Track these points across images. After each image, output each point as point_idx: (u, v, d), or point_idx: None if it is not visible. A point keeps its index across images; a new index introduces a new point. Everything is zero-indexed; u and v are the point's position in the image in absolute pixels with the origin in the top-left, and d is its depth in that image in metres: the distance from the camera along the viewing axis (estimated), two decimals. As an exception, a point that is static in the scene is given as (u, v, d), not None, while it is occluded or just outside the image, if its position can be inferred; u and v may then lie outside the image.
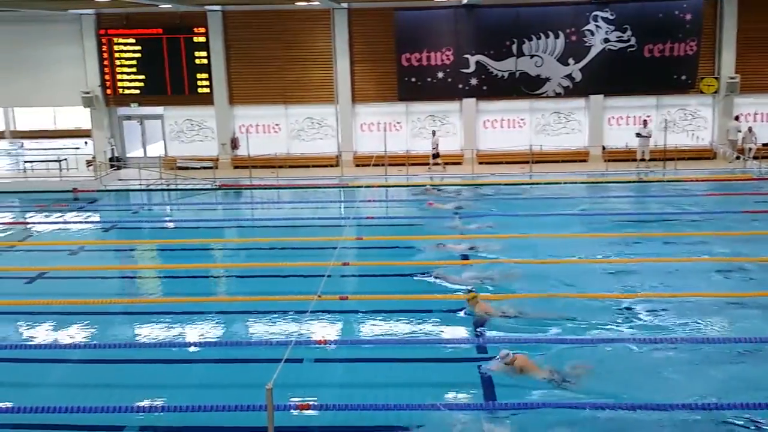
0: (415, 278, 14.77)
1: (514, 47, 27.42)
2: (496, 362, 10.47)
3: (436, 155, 27.16)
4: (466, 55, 27.59)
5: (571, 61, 27.42)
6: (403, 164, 27.14)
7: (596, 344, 11.32)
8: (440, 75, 27.77)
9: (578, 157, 28.15)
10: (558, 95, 27.91)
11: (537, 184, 24.51)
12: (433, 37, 27.60)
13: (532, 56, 27.45)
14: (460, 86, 27.87)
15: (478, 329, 12.10)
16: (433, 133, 27.65)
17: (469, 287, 13.75)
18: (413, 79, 27.83)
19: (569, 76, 27.59)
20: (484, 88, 27.86)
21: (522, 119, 28.66)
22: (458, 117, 28.68)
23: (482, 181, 25.21)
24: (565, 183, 24.25)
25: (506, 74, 27.67)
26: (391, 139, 27.52)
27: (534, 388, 9.98)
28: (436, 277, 14.67)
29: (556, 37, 27.29)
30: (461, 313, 12.79)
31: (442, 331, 12.33)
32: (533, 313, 12.54)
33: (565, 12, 27.23)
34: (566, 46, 27.32)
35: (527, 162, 26.56)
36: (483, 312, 12.43)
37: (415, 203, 22.35)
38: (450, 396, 9.97)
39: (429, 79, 27.81)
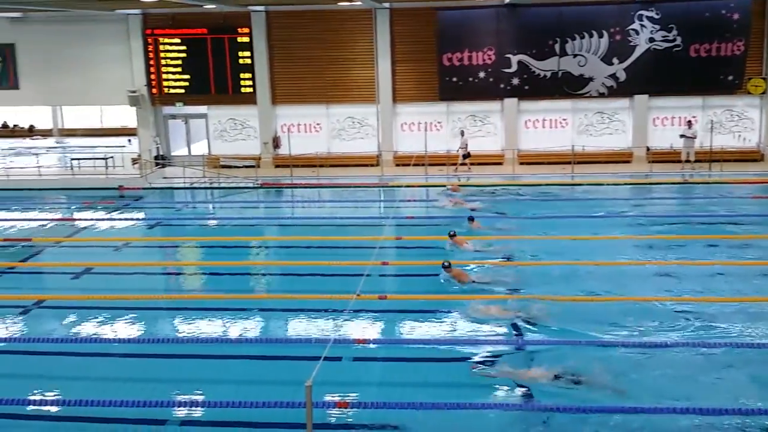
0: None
1: (557, 46, 27.20)
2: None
3: (466, 155, 27.08)
4: (508, 55, 27.44)
5: (615, 60, 27.09)
6: (443, 164, 27.09)
7: (632, 347, 11.24)
8: (482, 75, 27.67)
9: (622, 158, 27.79)
10: (601, 95, 27.60)
11: (579, 185, 24.28)
12: (474, 37, 27.51)
13: (575, 56, 27.20)
14: (502, 86, 27.73)
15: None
16: (462, 132, 27.58)
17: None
18: (454, 79, 27.78)
19: (613, 76, 27.26)
20: (526, 87, 27.68)
21: (564, 119, 28.40)
22: (499, 117, 28.52)
23: (522, 181, 25.04)
24: (608, 184, 23.98)
25: (549, 74, 27.46)
26: (432, 139, 27.49)
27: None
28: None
29: (600, 36, 26.99)
30: (498, 314, 12.78)
31: (479, 331, 12.28)
32: (566, 315, 12.47)
33: (610, 11, 26.91)
34: (610, 45, 27.00)
35: (569, 163, 26.32)
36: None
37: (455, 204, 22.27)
38: (488, 396, 9.95)
39: (470, 79, 27.73)
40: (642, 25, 26.78)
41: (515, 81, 27.63)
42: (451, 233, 16.72)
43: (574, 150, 26.75)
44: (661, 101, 27.84)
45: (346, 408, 9.65)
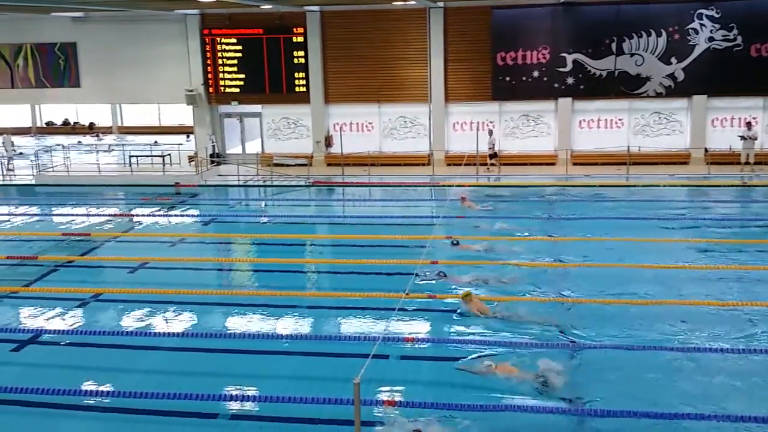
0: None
1: (614, 45, 26.79)
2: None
3: (493, 155, 26.86)
4: (563, 54, 27.15)
5: (673, 60, 26.57)
6: (494, 164, 26.92)
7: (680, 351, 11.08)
8: (536, 74, 27.42)
9: (679, 159, 27.23)
10: (659, 95, 27.08)
11: (634, 186, 23.89)
12: (529, 36, 27.30)
13: (632, 55, 26.75)
14: (556, 85, 27.44)
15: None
16: (490, 132, 27.42)
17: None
18: (508, 78, 27.60)
19: (671, 76, 26.73)
20: (581, 87, 27.34)
21: (620, 119, 27.95)
22: (553, 117, 28.23)
23: (576, 182, 24.75)
24: (664, 186, 23.53)
25: (605, 73, 27.06)
26: (483, 139, 27.34)
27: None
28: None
29: (658, 35, 26.48)
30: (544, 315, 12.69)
31: (530, 332, 12.20)
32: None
33: (668, 10, 26.39)
34: (668, 44, 26.48)
35: (624, 164, 25.91)
36: (477, 310, 12.43)
37: (505, 203, 22.12)
38: (533, 397, 9.89)
39: (524, 78, 27.51)
40: (701, 24, 26.20)
41: (570, 80, 27.31)
42: (454, 242, 17.01)
43: (630, 151, 26.32)
44: (720, 102, 27.19)
45: (393, 406, 9.69)
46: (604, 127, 28.02)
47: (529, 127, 28.41)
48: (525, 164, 27.49)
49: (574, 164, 27.34)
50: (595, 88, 27.26)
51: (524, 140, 28.34)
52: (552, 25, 27.13)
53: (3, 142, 30.02)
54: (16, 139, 38.57)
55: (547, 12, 27.16)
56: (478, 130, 27.61)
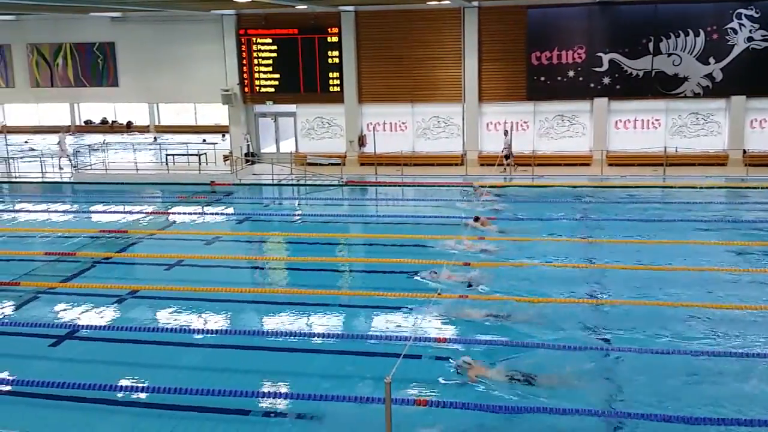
0: (537, 279, 14.63)
1: (651, 45, 26.47)
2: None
3: (508, 155, 26.78)
4: (599, 54, 26.90)
5: (711, 60, 26.18)
6: (529, 164, 26.77)
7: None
8: (571, 74, 27.22)
9: (717, 160, 26.82)
10: (696, 95, 26.70)
11: (670, 187, 23.59)
12: (564, 35, 27.10)
13: (669, 54, 26.41)
14: (592, 85, 27.20)
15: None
16: (506, 132, 27.29)
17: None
18: (542, 78, 27.42)
19: (709, 76, 26.34)
20: (618, 87, 27.06)
21: (657, 120, 27.61)
22: (588, 117, 27.98)
23: (611, 183, 24.52)
24: (701, 187, 23.20)
25: (641, 73, 26.76)
26: (517, 139, 27.21)
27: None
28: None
29: (696, 35, 26.11)
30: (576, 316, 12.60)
31: (560, 334, 12.14)
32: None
33: (707, 9, 26.00)
34: (706, 44, 26.10)
35: (661, 164, 25.60)
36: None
37: (541, 204, 22.00)
38: (570, 400, 9.83)
39: (559, 78, 27.32)
40: (741, 24, 25.77)
41: (606, 80, 27.05)
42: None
43: (667, 152, 25.99)
44: (760, 102, 26.72)
45: (424, 406, 9.71)
46: (641, 127, 27.70)
47: (563, 128, 28.20)
48: (559, 165, 27.29)
49: (610, 165, 27.08)
50: (632, 88, 26.96)
51: (559, 140, 28.13)
52: (588, 24, 26.90)
53: (59, 141, 30.62)
54: (55, 137, 39.34)
55: (582, 11, 26.94)
56: (512, 130, 27.47)
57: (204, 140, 35.49)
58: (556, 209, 20.89)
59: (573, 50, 27.08)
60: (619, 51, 26.79)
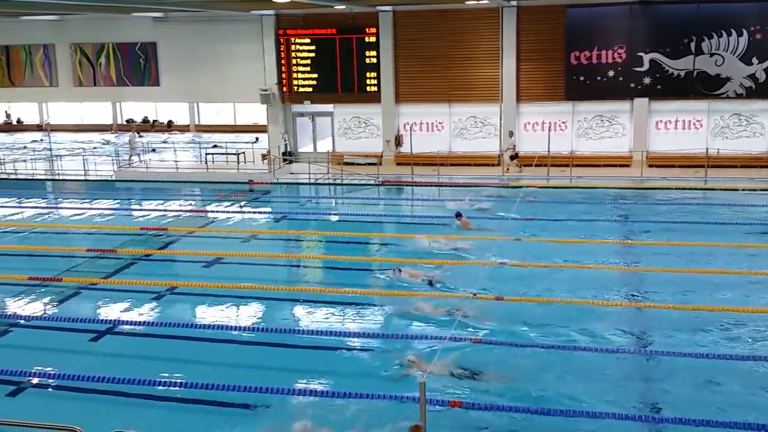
0: (575, 281, 14.53)
1: (693, 45, 26.07)
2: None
3: (514, 156, 26.78)
4: (639, 53, 26.57)
5: (754, 60, 25.69)
6: (567, 165, 26.55)
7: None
8: (611, 73, 26.93)
9: (759, 162, 26.31)
10: (739, 96, 26.22)
11: (712, 189, 23.21)
12: (604, 35, 26.83)
13: (711, 54, 25.98)
14: (632, 85, 26.88)
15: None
16: (510, 133, 27.33)
17: None
18: (582, 78, 27.18)
19: (752, 76, 25.85)
20: (658, 87, 26.70)
21: (698, 121, 27.17)
22: (628, 117, 27.65)
23: (651, 184, 24.20)
24: (743, 190, 22.79)
25: (683, 73, 26.37)
26: (555, 139, 27.01)
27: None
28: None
29: (739, 35, 25.64)
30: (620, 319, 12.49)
31: (604, 336, 12.04)
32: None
33: (750, 9, 25.52)
34: (750, 44, 25.62)
35: (702, 166, 25.20)
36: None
37: (577, 204, 21.83)
38: (614, 405, 9.76)
39: (599, 78, 27.05)
40: (785, 23, 25.29)
41: (647, 80, 26.71)
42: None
43: (708, 153, 25.59)
44: (806, 103, 26.18)
45: (459, 407, 9.70)
46: (682, 128, 27.29)
47: (603, 128, 27.91)
48: (598, 165, 27.02)
49: (650, 166, 26.73)
50: (673, 89, 26.58)
51: (598, 141, 27.86)
52: (628, 23, 26.58)
53: (129, 139, 31.21)
54: (97, 136, 40.07)
55: (623, 11, 26.63)
56: (550, 130, 27.28)
57: (256, 139, 35.63)
58: (596, 211, 20.69)
59: (613, 50, 26.79)
60: (660, 51, 26.43)
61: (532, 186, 23.72)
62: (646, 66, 26.62)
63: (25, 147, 36.17)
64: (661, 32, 26.35)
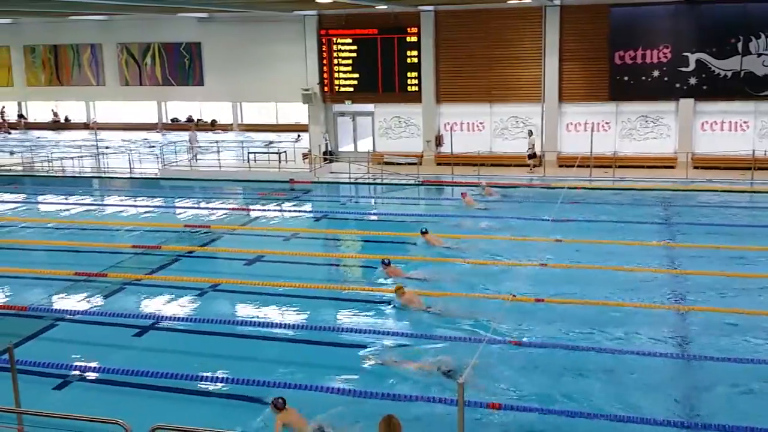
0: (615, 284, 14.37)
1: (740, 45, 25.56)
2: None
3: (532, 155, 26.79)
4: (685, 53, 26.14)
5: (804, 60, 25.15)
6: (610, 166, 26.24)
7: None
8: (656, 73, 26.54)
9: (809, 164, 25.73)
10: (788, 97, 25.67)
11: (758, 192, 22.75)
12: (649, 34, 26.46)
13: (759, 55, 25.45)
14: (678, 85, 26.46)
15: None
16: (530, 132, 27.32)
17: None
18: (626, 78, 26.84)
19: (801, 77, 25.29)
20: (704, 87, 26.24)
21: (745, 122, 26.63)
22: (673, 118, 27.22)
23: (696, 186, 23.81)
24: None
25: (729, 74, 25.87)
26: (598, 140, 26.71)
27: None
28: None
29: (789, 34, 25.12)
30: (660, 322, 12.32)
31: (645, 339, 11.90)
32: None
33: (800, 7, 24.97)
34: (799, 44, 25.09)
35: (749, 168, 24.70)
36: (407, 301, 12.84)
37: (619, 206, 21.57)
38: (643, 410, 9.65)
39: (643, 78, 26.69)
40: (838, 22, 24.65)
41: (692, 80, 26.27)
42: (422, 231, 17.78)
43: (755, 155, 25.06)
44: None
45: (498, 409, 9.67)
46: (728, 129, 26.77)
47: (647, 129, 27.53)
48: (642, 167, 26.68)
49: (695, 168, 26.29)
50: (719, 89, 26.10)
51: (642, 142, 27.48)
52: (674, 23, 26.17)
53: (189, 138, 31.78)
54: (142, 135, 40.74)
55: (668, 10, 26.23)
56: (593, 131, 26.99)
57: (298, 136, 35.81)
58: (640, 212, 20.44)
59: (658, 49, 26.40)
60: (706, 51, 25.97)
61: (574, 187, 23.48)
62: (691, 66, 26.19)
63: (80, 146, 36.81)
64: (707, 32, 25.89)
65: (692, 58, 26.15)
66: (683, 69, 26.28)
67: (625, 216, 20.15)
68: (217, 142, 33.79)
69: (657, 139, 27.38)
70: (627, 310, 13.02)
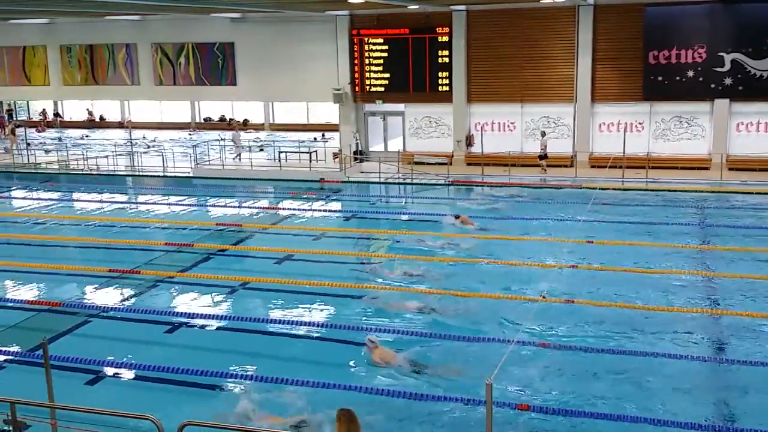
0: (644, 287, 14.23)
1: (777, 45, 25.16)
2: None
3: (543, 156, 26.77)
4: (720, 53, 25.77)
5: (843, 60, 24.65)
6: (643, 167, 25.96)
7: None
8: (690, 74, 26.20)
9: None
10: (826, 97, 25.18)
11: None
12: (684, 34, 26.13)
13: (796, 55, 25.03)
14: (713, 86, 26.09)
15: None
16: (543, 133, 27.19)
17: None
18: (660, 78, 26.53)
19: (840, 77, 24.79)
20: (740, 88, 25.85)
21: (782, 123, 26.22)
22: (708, 119, 26.84)
23: (730, 188, 23.45)
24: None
25: (765, 74, 25.49)
26: (631, 140, 26.43)
27: None
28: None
29: (828, 33, 24.63)
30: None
31: (678, 342, 11.76)
32: None
33: (839, 6, 24.47)
34: (838, 43, 24.58)
35: (785, 170, 24.32)
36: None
37: (652, 207, 21.34)
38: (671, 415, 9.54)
39: (678, 78, 26.36)
40: None
41: (728, 81, 25.89)
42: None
43: (792, 156, 24.67)
44: None
45: (527, 410, 9.63)
46: (764, 130, 26.32)
47: (681, 129, 27.19)
48: (676, 168, 26.36)
49: (730, 169, 25.90)
50: (756, 90, 25.70)
51: (676, 143, 27.15)
52: (709, 22, 25.82)
53: (233, 138, 32.12)
54: (176, 134, 41.22)
55: (703, 9, 25.88)
56: (625, 131, 26.72)
57: (323, 135, 35.87)
58: (672, 215, 20.20)
59: (693, 49, 26.06)
60: (742, 51, 25.58)
61: (606, 188, 23.26)
62: (727, 66, 25.81)
63: (134, 143, 37.31)
64: (743, 32, 25.51)
65: (728, 58, 25.76)
66: (718, 69, 25.91)
67: (658, 218, 19.92)
68: (260, 140, 34.26)
69: (691, 140, 27.03)
70: (658, 313, 12.86)
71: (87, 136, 41.36)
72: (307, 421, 9.39)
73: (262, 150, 33.81)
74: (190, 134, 41.60)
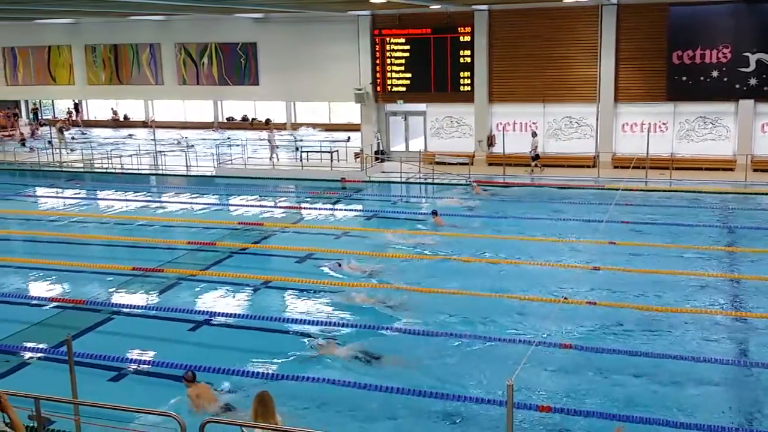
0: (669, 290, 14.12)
1: (804, 45, 24.84)
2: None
3: (535, 156, 26.76)
4: (745, 53, 25.50)
5: None
6: (667, 168, 25.74)
7: None
8: (715, 74, 25.94)
9: None
10: None
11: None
12: (708, 34, 25.89)
13: (822, 55, 24.71)
14: (738, 86, 25.83)
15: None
16: (533, 134, 27.11)
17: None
18: (684, 78, 26.30)
19: None
20: (765, 88, 25.56)
21: (809, 124, 25.89)
22: (733, 119, 26.57)
23: (755, 190, 23.20)
24: None
25: (792, 74, 25.18)
26: (655, 141, 26.21)
27: None
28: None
29: None
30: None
31: (703, 345, 11.66)
32: None
33: None
34: None
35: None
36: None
37: (675, 209, 21.16)
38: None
39: (702, 78, 26.11)
40: None
41: (753, 81, 25.61)
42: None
43: (819, 157, 24.34)
44: None
45: (548, 412, 9.60)
46: (790, 131, 26.06)
47: (705, 130, 26.93)
48: (700, 169, 26.11)
49: (755, 170, 25.62)
50: (781, 90, 25.42)
51: (700, 143, 26.90)
52: (734, 22, 25.55)
53: (269, 137, 32.31)
54: (199, 133, 41.45)
55: (728, 9, 25.62)
56: (649, 131, 26.51)
57: (348, 138, 35.97)
58: (695, 215, 20.02)
59: (718, 49, 25.81)
60: (767, 51, 25.27)
61: (629, 189, 23.08)
62: (752, 66, 25.53)
63: (176, 142, 37.55)
64: (769, 31, 25.24)
65: (753, 58, 25.49)
66: (743, 69, 25.64)
67: (682, 219, 19.74)
68: (296, 140, 34.54)
69: (715, 141, 26.77)
70: (681, 315, 12.76)
71: (131, 136, 41.52)
72: None
73: (297, 150, 33.73)
74: (224, 135, 41.49)
